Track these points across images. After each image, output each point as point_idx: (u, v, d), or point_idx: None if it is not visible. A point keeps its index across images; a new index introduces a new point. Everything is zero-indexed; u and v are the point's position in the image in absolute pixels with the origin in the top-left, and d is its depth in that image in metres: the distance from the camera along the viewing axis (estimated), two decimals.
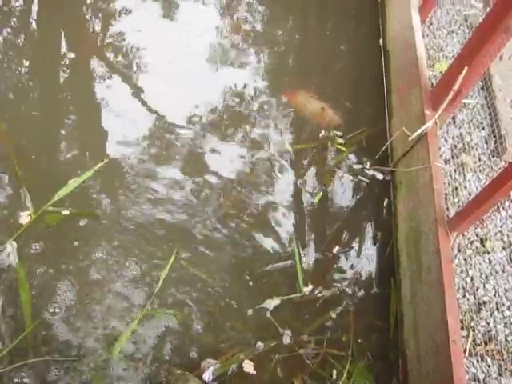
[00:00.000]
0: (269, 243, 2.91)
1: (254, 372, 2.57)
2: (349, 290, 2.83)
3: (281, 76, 3.61)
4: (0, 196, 2.81)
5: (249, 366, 2.58)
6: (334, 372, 2.62)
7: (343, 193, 3.16)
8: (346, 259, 2.93)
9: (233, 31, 3.79)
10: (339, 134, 3.34)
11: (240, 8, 3.94)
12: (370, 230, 3.06)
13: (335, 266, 2.90)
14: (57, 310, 2.54)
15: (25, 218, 2.70)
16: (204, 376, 2.51)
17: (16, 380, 2.37)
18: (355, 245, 2.98)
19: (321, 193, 3.12)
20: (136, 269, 2.71)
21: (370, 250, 2.98)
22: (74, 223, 2.77)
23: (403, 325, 2.69)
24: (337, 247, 2.94)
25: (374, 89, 3.61)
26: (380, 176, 3.20)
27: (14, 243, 2.59)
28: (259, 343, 2.63)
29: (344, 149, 3.26)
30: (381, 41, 3.81)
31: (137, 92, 3.37)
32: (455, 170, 2.79)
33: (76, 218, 2.78)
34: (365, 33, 3.91)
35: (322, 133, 3.34)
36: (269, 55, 3.72)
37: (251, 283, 2.77)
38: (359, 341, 2.72)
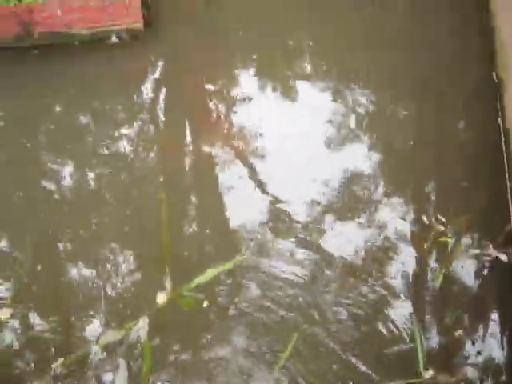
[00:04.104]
0: (384, 326, 2.90)
1: None
2: (473, 378, 2.71)
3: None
4: (146, 273, 3.10)
5: None
6: None
7: (465, 276, 3.08)
8: (470, 344, 2.81)
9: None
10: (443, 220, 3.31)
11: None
12: (495, 314, 2.93)
13: (458, 351, 2.79)
14: None
15: (162, 297, 2.95)
16: None
17: None
18: (479, 330, 2.86)
19: (441, 277, 3.08)
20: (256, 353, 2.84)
21: (495, 335, 2.85)
22: (204, 312, 2.96)
23: None
24: (459, 331, 2.85)
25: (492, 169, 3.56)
26: (504, 258, 3.09)
27: (147, 319, 2.84)
28: None
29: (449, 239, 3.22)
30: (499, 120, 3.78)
31: (258, 179, 3.58)
32: None
33: (207, 306, 2.97)
34: (482, 112, 3.89)
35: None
36: (384, 138, 3.82)
37: (364, 367, 2.77)
38: None
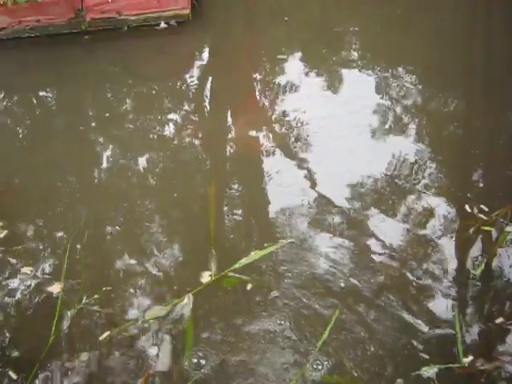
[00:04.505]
0: (427, 312, 2.90)
1: None
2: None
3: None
4: (192, 255, 3.21)
5: None
6: None
7: (507, 265, 3.05)
8: (511, 333, 2.81)
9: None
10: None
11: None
12: None
13: (498, 338, 2.79)
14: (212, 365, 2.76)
15: (206, 277, 3.03)
16: None
17: None
18: None
19: (483, 265, 3.06)
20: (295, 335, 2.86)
21: None
22: (246, 293, 3.01)
23: None
24: (500, 319, 2.84)
25: None
26: None
27: (192, 297, 2.93)
28: None
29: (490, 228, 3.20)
30: None
31: (300, 166, 3.65)
32: None
33: (251, 287, 3.02)
34: None
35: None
36: (430, 128, 3.83)
37: (408, 349, 2.78)
38: None
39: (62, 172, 3.70)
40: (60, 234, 3.29)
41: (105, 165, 3.73)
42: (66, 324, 2.88)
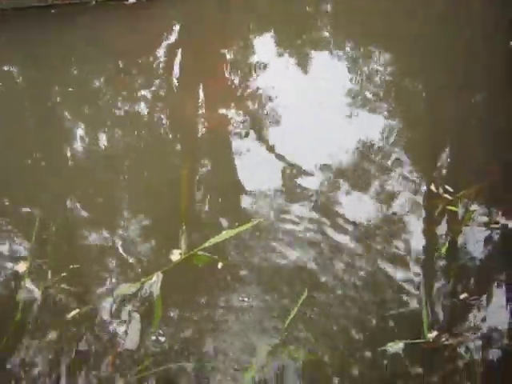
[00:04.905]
0: (393, 288, 2.95)
1: None
2: (477, 340, 2.76)
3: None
4: (162, 233, 3.18)
5: None
6: None
7: (471, 243, 3.12)
8: (474, 308, 2.87)
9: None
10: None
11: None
12: (500, 279, 2.97)
13: (462, 314, 2.85)
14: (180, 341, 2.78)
15: (176, 255, 3.03)
16: None
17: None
18: (484, 294, 2.91)
19: (447, 243, 3.12)
20: (265, 312, 2.89)
21: (500, 300, 2.91)
22: (216, 271, 3.01)
23: None
24: (464, 294, 2.90)
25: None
26: None
27: (161, 275, 2.92)
28: None
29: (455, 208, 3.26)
30: None
31: (270, 144, 3.64)
32: None
33: (221, 265, 3.02)
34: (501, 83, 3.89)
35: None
36: (399, 108, 3.86)
37: (374, 326, 2.82)
38: None
39: (29, 149, 3.63)
40: (27, 211, 3.25)
41: (73, 142, 3.67)
42: (32, 302, 2.87)
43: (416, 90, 4.06)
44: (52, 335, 2.76)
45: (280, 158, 3.53)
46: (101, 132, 3.70)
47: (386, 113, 3.81)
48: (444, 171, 3.53)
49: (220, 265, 3.01)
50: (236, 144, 3.66)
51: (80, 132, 3.73)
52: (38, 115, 3.87)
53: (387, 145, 3.60)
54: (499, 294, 2.92)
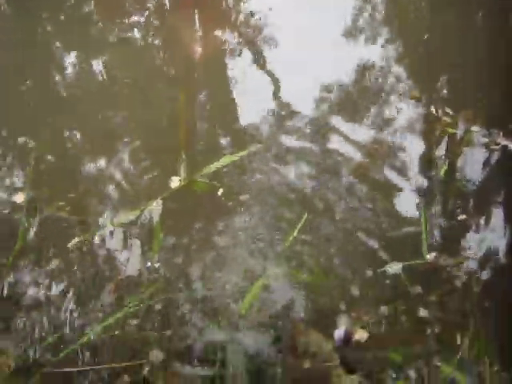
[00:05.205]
0: (392, 211, 2.97)
1: (366, 340, 2.68)
2: (475, 260, 2.82)
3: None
4: (162, 159, 3.14)
5: (361, 334, 2.70)
6: (458, 338, 2.66)
7: (471, 163, 3.11)
8: (473, 229, 2.90)
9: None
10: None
11: None
12: (499, 200, 2.98)
13: (460, 235, 2.89)
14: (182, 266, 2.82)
15: (175, 182, 3.01)
16: (336, 333, 2.69)
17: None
18: (483, 215, 2.94)
19: (446, 165, 3.10)
20: (265, 234, 2.92)
21: (499, 221, 2.93)
22: (216, 197, 3.01)
23: None
24: (463, 216, 2.93)
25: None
26: None
27: (160, 201, 2.92)
28: (383, 307, 2.74)
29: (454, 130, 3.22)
30: None
31: (267, 69, 3.52)
32: None
33: (221, 191, 3.02)
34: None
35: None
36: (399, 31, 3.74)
37: (374, 248, 2.87)
38: (484, 311, 2.72)
39: (22, 78, 3.52)
40: (23, 141, 3.20)
41: (68, 70, 3.57)
42: (32, 232, 2.87)
43: (417, 12, 3.93)
44: (53, 264, 2.79)
45: (275, 80, 3.47)
46: (95, 58, 3.59)
47: (386, 34, 3.71)
48: (444, 93, 3.47)
49: (220, 191, 3.01)
50: (232, 67, 3.58)
51: (74, 58, 3.63)
52: (27, 44, 3.75)
53: (386, 66, 3.53)
54: (498, 215, 2.95)
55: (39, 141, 3.17)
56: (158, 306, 2.72)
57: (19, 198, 2.98)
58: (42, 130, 3.25)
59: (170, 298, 2.74)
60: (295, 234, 2.85)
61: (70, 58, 3.62)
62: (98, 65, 3.56)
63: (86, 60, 3.58)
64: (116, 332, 2.65)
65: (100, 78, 3.48)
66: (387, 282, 2.74)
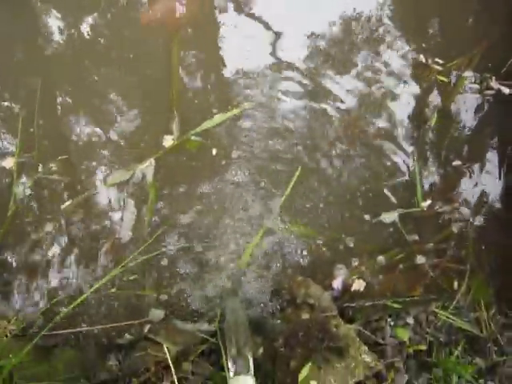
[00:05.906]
0: (386, 160, 2.96)
1: (363, 289, 2.72)
2: (470, 206, 2.83)
3: None
4: (154, 117, 3.06)
5: (359, 284, 2.73)
6: (455, 284, 2.69)
7: (464, 110, 3.10)
8: (467, 175, 2.91)
9: None
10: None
11: None
12: (494, 145, 3.00)
13: (455, 181, 2.89)
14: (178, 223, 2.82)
15: (168, 141, 2.97)
16: (334, 284, 2.71)
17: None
18: (478, 160, 2.95)
19: (439, 112, 3.09)
20: (260, 189, 2.91)
21: (493, 165, 2.93)
22: (209, 155, 2.98)
23: None
24: (457, 161, 2.93)
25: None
26: (506, 90, 3.10)
27: (153, 161, 2.88)
28: (380, 257, 2.76)
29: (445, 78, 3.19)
30: None
31: (259, 22, 3.41)
32: None
33: (215, 151, 2.99)
34: None
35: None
36: None
37: (369, 197, 2.87)
38: (480, 256, 2.74)
39: (10, 41, 3.43)
40: (10, 105, 3.14)
41: (56, 33, 3.48)
42: (24, 196, 2.84)
43: None
44: (48, 227, 2.77)
45: (267, 27, 3.39)
46: (83, 21, 3.50)
47: None
48: (433, 42, 3.42)
49: (214, 151, 2.98)
50: (222, 20, 3.50)
51: (61, 24, 3.53)
52: (16, 8, 3.64)
53: (375, 15, 3.46)
54: (492, 160, 2.95)
55: (27, 103, 3.11)
56: (157, 263, 2.73)
57: (9, 162, 2.93)
58: (28, 91, 3.18)
59: (169, 253, 2.75)
60: (290, 188, 2.84)
61: (57, 20, 3.53)
62: (85, 26, 3.48)
63: (75, 23, 3.49)
64: (113, 289, 2.67)
65: (87, 36, 3.41)
66: (383, 230, 2.76)
